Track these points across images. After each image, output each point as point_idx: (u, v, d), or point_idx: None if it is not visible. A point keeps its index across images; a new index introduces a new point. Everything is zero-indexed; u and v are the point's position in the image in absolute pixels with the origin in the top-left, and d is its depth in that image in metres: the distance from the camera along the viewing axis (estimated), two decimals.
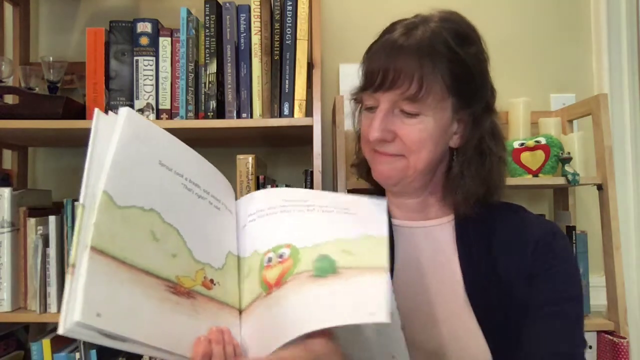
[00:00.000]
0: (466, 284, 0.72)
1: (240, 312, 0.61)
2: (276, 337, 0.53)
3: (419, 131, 0.70)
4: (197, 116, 1.18)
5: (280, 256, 0.60)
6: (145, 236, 0.52)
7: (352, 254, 0.59)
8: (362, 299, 0.53)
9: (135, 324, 0.47)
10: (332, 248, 0.60)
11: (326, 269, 0.56)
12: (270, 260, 0.61)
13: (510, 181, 1.24)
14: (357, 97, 0.80)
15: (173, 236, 0.55)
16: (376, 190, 0.86)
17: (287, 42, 1.16)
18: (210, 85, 1.18)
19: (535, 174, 1.24)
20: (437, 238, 0.77)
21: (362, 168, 0.85)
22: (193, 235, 0.57)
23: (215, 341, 0.54)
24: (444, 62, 0.69)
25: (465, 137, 0.74)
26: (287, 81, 1.16)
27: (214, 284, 0.58)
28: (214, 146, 1.46)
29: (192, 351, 0.53)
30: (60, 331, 0.44)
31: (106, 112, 1.23)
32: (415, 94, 0.67)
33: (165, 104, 1.20)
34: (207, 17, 1.18)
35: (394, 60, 0.68)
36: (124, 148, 0.52)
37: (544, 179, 1.24)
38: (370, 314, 0.51)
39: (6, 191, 1.16)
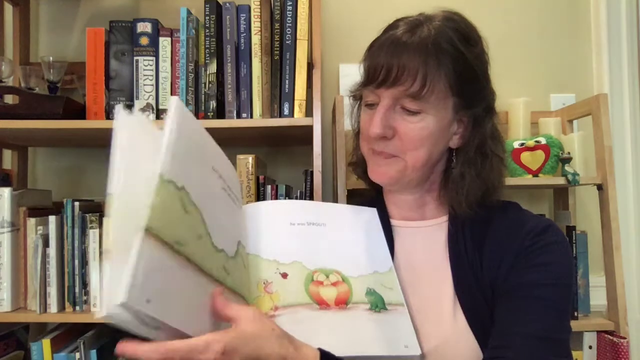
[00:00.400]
0: (455, 284, 0.71)
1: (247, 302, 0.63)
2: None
3: (419, 129, 0.70)
4: (197, 116, 1.18)
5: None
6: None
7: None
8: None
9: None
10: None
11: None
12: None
13: (510, 181, 1.24)
14: (357, 93, 0.80)
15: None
16: (372, 189, 0.86)
17: (287, 42, 1.15)
18: (210, 85, 1.18)
19: (535, 174, 1.24)
20: (432, 238, 0.77)
21: (360, 166, 0.84)
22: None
23: None
24: (448, 61, 0.68)
25: (465, 137, 0.74)
26: (287, 81, 1.16)
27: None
28: None
29: None
30: (103, 314, 0.43)
31: (106, 112, 1.23)
32: (419, 91, 0.67)
33: (165, 104, 1.20)
34: (207, 17, 1.18)
35: (398, 56, 0.68)
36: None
37: (544, 179, 1.24)
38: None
39: (6, 191, 1.16)
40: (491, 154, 0.74)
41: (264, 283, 0.66)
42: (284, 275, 0.67)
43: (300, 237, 0.73)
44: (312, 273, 0.69)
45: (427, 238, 0.78)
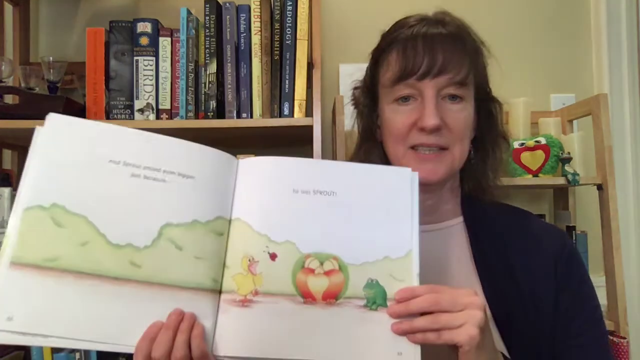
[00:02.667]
0: (484, 288, 0.68)
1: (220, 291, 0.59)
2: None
3: (464, 118, 0.70)
4: (197, 116, 1.18)
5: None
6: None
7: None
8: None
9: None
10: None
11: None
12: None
13: (511, 181, 1.24)
14: (361, 101, 0.80)
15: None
16: None
17: (287, 42, 1.15)
18: (210, 85, 1.18)
19: (535, 174, 1.24)
20: (447, 240, 0.75)
21: None
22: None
23: (166, 327, 0.53)
24: (472, 51, 0.71)
25: (479, 127, 0.75)
26: (287, 81, 1.16)
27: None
28: (214, 146, 1.45)
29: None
30: None
31: (106, 112, 1.23)
32: (464, 77, 0.68)
33: (165, 104, 1.20)
34: (207, 17, 1.18)
35: (440, 48, 0.68)
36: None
37: (544, 179, 1.24)
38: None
39: (6, 191, 1.16)
40: (502, 140, 0.77)
41: (249, 260, 0.59)
42: (273, 257, 0.60)
43: (301, 210, 0.62)
44: (305, 258, 0.60)
45: (442, 240, 0.75)
